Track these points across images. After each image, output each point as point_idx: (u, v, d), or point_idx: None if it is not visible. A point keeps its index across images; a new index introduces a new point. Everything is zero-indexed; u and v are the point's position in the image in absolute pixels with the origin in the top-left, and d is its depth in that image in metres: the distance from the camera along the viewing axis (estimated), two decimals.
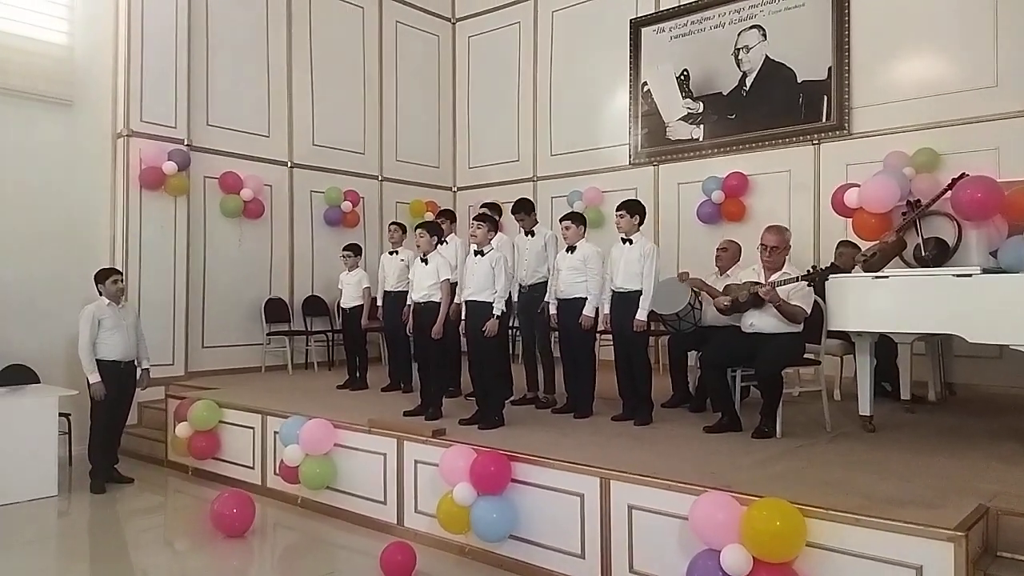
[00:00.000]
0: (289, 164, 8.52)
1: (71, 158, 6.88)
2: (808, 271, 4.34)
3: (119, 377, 5.62)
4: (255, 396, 6.21)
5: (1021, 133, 6.19)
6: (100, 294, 5.65)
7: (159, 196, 7.22)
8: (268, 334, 8.06)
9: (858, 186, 4.76)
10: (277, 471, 5.27)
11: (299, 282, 8.55)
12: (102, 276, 5.70)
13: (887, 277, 4.20)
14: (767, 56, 7.58)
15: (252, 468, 5.66)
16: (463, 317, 5.11)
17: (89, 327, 5.49)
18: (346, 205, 8.82)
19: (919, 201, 4.42)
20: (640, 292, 4.99)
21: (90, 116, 7.02)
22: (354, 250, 7.10)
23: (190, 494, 5.79)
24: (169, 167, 7.13)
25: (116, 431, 5.81)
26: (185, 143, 7.42)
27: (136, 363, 5.80)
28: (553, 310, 5.44)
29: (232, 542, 4.58)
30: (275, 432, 5.38)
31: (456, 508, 4.01)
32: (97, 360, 5.50)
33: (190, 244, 7.51)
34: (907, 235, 4.39)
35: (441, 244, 5.96)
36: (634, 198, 5.51)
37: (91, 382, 5.47)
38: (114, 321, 5.58)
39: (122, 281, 5.76)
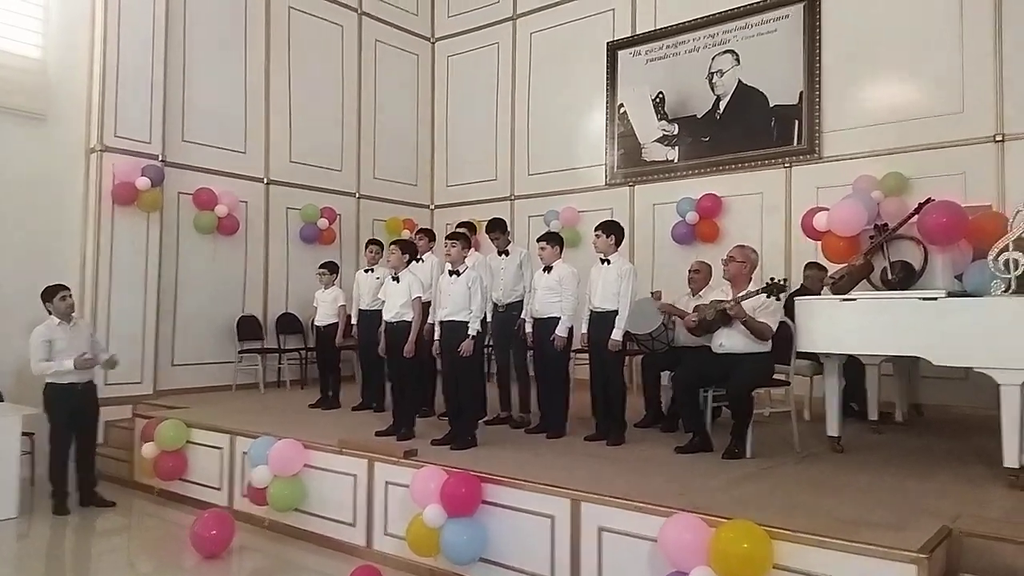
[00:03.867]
0: (265, 180, 8.48)
1: (43, 173, 6.78)
2: (767, 283, 4.40)
3: (78, 399, 5.45)
4: (224, 415, 6.13)
5: (986, 158, 6.35)
6: (49, 313, 5.46)
7: (132, 212, 7.13)
8: (240, 352, 7.96)
9: (827, 209, 4.83)
10: (245, 492, 5.19)
11: (273, 299, 8.48)
12: (49, 294, 5.45)
13: (855, 300, 4.26)
14: (740, 80, 7.71)
15: (219, 489, 5.56)
16: (437, 337, 5.09)
17: (40, 350, 5.29)
18: (322, 222, 8.78)
19: (886, 225, 4.50)
20: (616, 312, 5.02)
21: (63, 130, 6.94)
22: (330, 268, 7.07)
23: (156, 516, 5.68)
24: (143, 183, 7.06)
25: (86, 454, 5.65)
26: (159, 159, 7.35)
27: (93, 380, 5.63)
28: (529, 328, 5.46)
29: (198, 566, 4.51)
30: (244, 453, 5.30)
31: (426, 530, 3.98)
32: (51, 384, 5.35)
33: (162, 261, 7.42)
34: (874, 258, 4.46)
35: (416, 262, 5.96)
36: (612, 219, 5.55)
37: (71, 367, 5.28)
38: (66, 342, 5.39)
39: (71, 297, 5.53)
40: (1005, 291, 3.78)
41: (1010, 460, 3.72)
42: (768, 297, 4.43)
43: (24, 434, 5.63)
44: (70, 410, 5.41)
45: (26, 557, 4.89)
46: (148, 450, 5.88)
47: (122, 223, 7.09)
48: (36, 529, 5.23)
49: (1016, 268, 3.75)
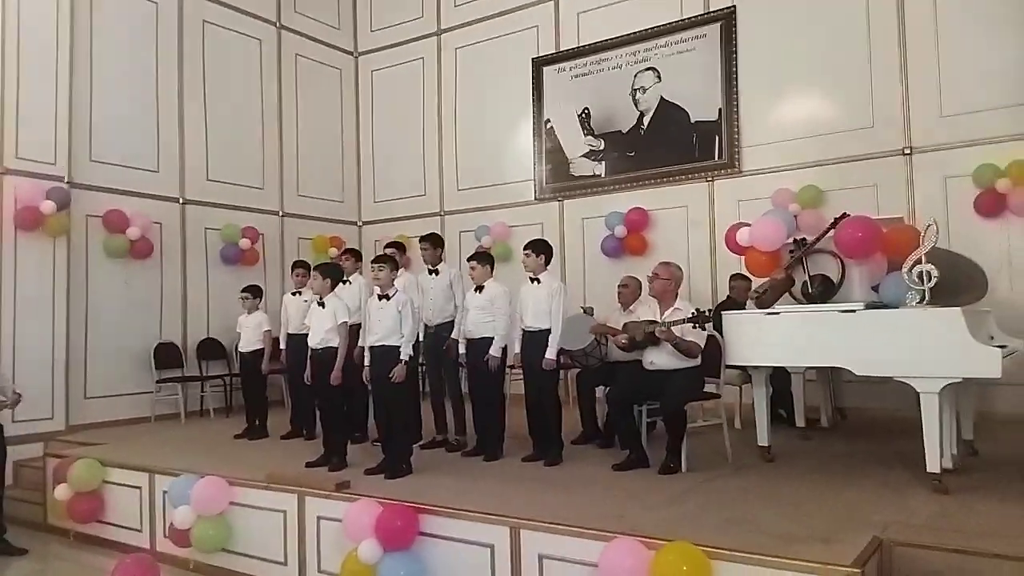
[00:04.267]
0: (181, 200, 8.14)
1: None
2: (693, 313, 4.47)
3: None
4: (143, 451, 5.83)
5: (896, 171, 6.66)
6: None
7: (37, 237, 6.71)
8: (158, 381, 7.59)
9: (749, 225, 4.95)
10: (167, 534, 4.93)
11: (193, 325, 8.13)
12: None
13: (778, 313, 4.37)
14: (662, 97, 7.87)
15: (140, 531, 5.25)
16: (367, 363, 4.96)
17: None
18: (244, 242, 8.49)
19: (805, 239, 4.63)
20: (548, 331, 5.00)
21: None
22: (253, 291, 6.80)
23: (72, 561, 5.35)
24: (48, 206, 6.66)
25: None
26: (65, 180, 6.97)
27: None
28: (462, 349, 5.39)
29: None
30: (164, 492, 5.03)
31: (361, 567, 3.84)
32: None
33: (71, 288, 7.02)
34: (795, 272, 4.59)
35: (343, 284, 5.81)
36: (541, 238, 5.55)
37: None
38: None
39: None
40: (920, 302, 3.93)
41: (932, 466, 3.86)
42: (694, 328, 4.50)
43: None
44: None
45: None
46: (61, 492, 5.51)
47: (26, 249, 6.67)
48: None
49: (929, 280, 3.90)
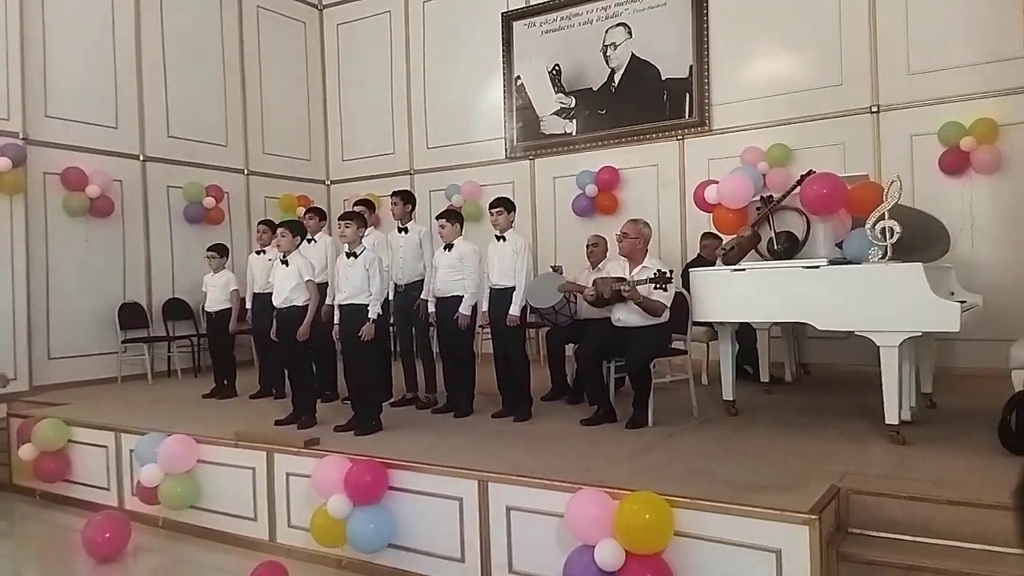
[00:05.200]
0: (141, 157, 7.92)
1: None
2: (655, 273, 4.49)
3: None
4: (110, 411, 5.78)
5: (863, 129, 6.70)
6: None
7: None
8: (124, 341, 7.48)
9: (717, 182, 4.96)
10: (135, 492, 4.91)
11: (158, 285, 7.99)
12: None
13: (744, 270, 4.41)
14: (633, 53, 7.79)
15: (107, 489, 5.23)
16: (337, 321, 4.93)
17: None
18: (208, 201, 8.32)
19: (771, 196, 4.66)
20: (515, 288, 5.01)
21: None
22: (219, 250, 6.68)
23: (39, 520, 5.32)
24: (2, 163, 6.46)
25: None
26: (20, 136, 6.74)
27: None
28: (431, 308, 5.38)
29: (88, 571, 4.25)
30: (131, 450, 5.00)
31: (331, 521, 3.87)
32: None
33: (29, 247, 6.85)
34: (761, 229, 4.61)
35: (309, 243, 5.74)
36: (505, 196, 5.52)
37: None
38: None
39: None
40: (882, 258, 3.98)
41: (891, 417, 3.96)
42: (655, 289, 4.52)
43: None
44: None
45: None
46: (26, 452, 5.46)
47: None
48: None
49: (891, 236, 3.95)
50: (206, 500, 4.66)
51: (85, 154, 7.34)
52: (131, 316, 7.62)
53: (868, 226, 4.03)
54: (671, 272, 4.54)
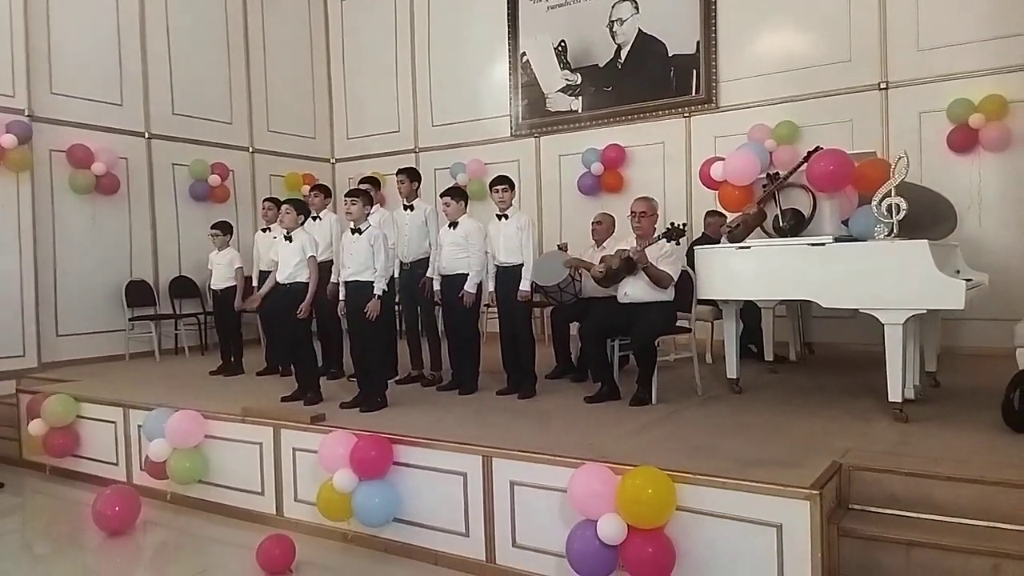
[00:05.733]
0: (147, 135, 7.92)
1: None
2: (667, 228, 4.48)
3: None
4: (118, 387, 5.83)
5: (871, 106, 6.64)
6: None
7: None
8: (131, 319, 7.53)
9: (723, 159, 4.92)
10: (143, 467, 4.96)
11: (164, 263, 8.02)
12: None
13: (749, 247, 4.39)
14: (640, 29, 7.71)
15: (116, 464, 5.29)
16: (342, 297, 4.95)
17: None
18: (214, 179, 8.33)
19: (778, 174, 4.63)
20: (521, 265, 5.01)
21: None
22: (223, 228, 6.69)
23: (49, 494, 5.39)
24: (8, 140, 6.48)
25: None
26: (26, 113, 6.75)
27: None
28: (437, 286, 5.39)
29: (97, 544, 4.31)
30: (139, 426, 5.05)
31: (336, 495, 3.91)
32: None
33: (36, 224, 6.88)
34: (767, 206, 4.59)
35: (314, 220, 5.75)
36: (506, 174, 5.50)
37: None
38: None
39: None
40: (888, 235, 3.96)
41: (894, 395, 3.96)
42: (668, 241, 4.51)
43: None
44: None
45: None
46: (36, 427, 5.52)
47: None
48: None
49: (898, 213, 3.93)
50: (214, 475, 4.72)
51: (91, 131, 7.35)
52: (138, 294, 7.66)
53: (874, 203, 4.01)
54: (684, 224, 4.52)
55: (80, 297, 7.28)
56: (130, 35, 7.79)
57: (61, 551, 4.35)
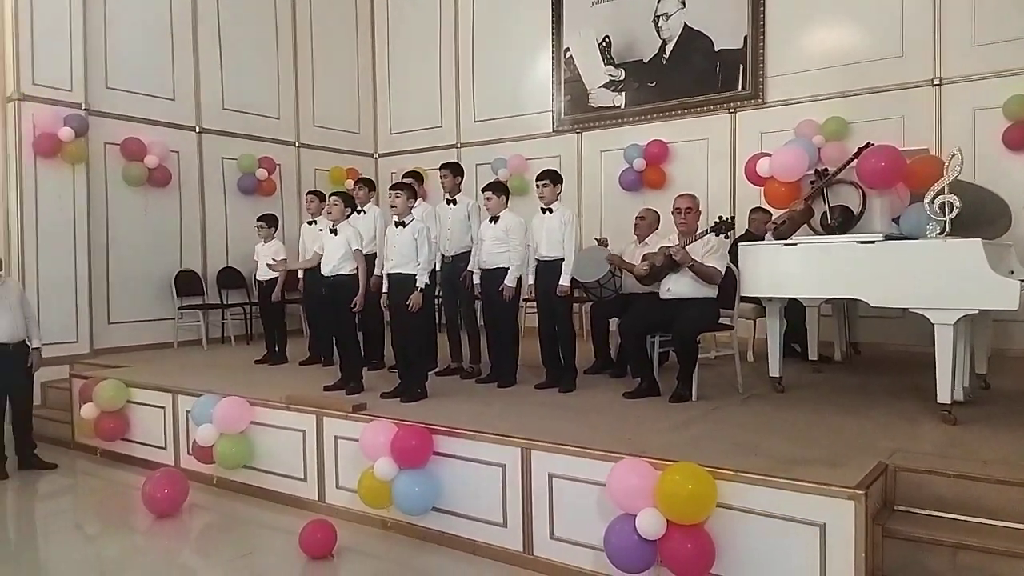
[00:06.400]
0: (197, 129, 8.12)
1: None
2: (715, 222, 4.43)
3: (9, 360, 5.24)
4: (166, 373, 5.99)
5: (924, 102, 6.47)
6: None
7: (56, 164, 6.78)
8: (180, 308, 7.73)
9: (769, 155, 4.86)
10: (191, 451, 5.10)
11: (212, 253, 8.22)
12: None
13: (795, 244, 4.33)
14: (686, 24, 7.63)
15: (164, 448, 5.45)
16: (384, 290, 5.02)
17: None
18: (261, 172, 8.49)
19: (826, 170, 4.55)
20: (563, 259, 5.01)
21: None
22: (268, 221, 6.84)
23: (100, 477, 5.56)
24: (66, 133, 6.70)
25: (22, 416, 5.46)
26: (83, 107, 6.97)
27: (27, 343, 5.40)
28: (477, 280, 5.42)
29: (146, 525, 4.44)
30: (187, 411, 5.19)
31: (377, 483, 3.97)
32: None
33: (91, 215, 7.10)
34: (815, 203, 4.52)
35: (358, 214, 5.83)
36: (553, 168, 5.50)
37: None
38: None
39: None
40: (940, 233, 3.87)
41: (943, 396, 3.87)
42: (717, 236, 4.47)
43: None
44: (1, 371, 5.19)
45: None
46: (88, 411, 5.72)
47: (46, 176, 6.74)
48: None
49: (951, 211, 3.83)
50: (258, 460, 4.83)
51: (144, 125, 7.56)
52: (187, 284, 7.86)
53: (927, 201, 3.91)
54: (733, 218, 4.47)
55: (131, 286, 7.50)
56: (182, 32, 7.99)
57: (111, 531, 4.49)
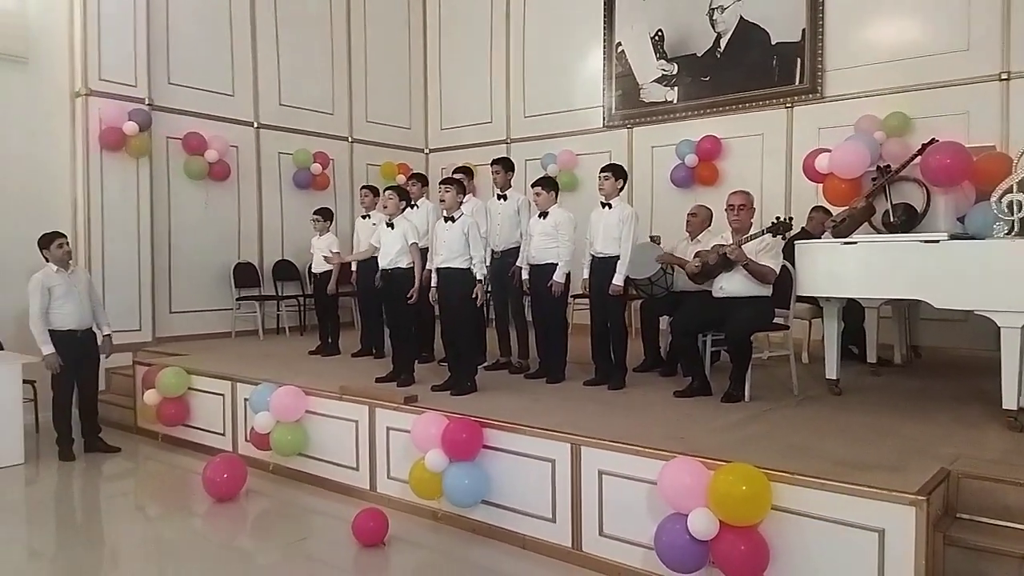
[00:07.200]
0: (255, 124, 8.31)
1: (28, 118, 6.64)
2: (772, 222, 4.35)
3: (78, 346, 5.46)
4: (225, 362, 6.15)
5: (991, 97, 6.23)
6: (46, 260, 5.41)
7: (120, 157, 7.02)
8: (238, 299, 7.94)
9: (829, 151, 4.75)
10: (248, 438, 5.24)
11: (268, 246, 8.41)
12: (46, 241, 5.41)
13: (855, 243, 4.22)
14: (742, 17, 7.50)
15: (223, 435, 5.62)
16: (434, 284, 5.07)
17: (39, 297, 5.27)
18: (315, 167, 8.66)
19: (889, 167, 4.43)
20: (618, 257, 4.96)
21: (46, 74, 6.76)
22: (324, 214, 6.98)
23: (161, 461, 5.75)
24: (130, 127, 6.92)
25: (88, 400, 5.69)
26: (146, 102, 7.19)
27: (95, 329, 5.63)
28: (525, 275, 5.43)
29: (204, 509, 4.59)
30: (245, 399, 5.33)
31: (428, 474, 4.02)
32: (52, 330, 5.33)
33: (154, 207, 7.33)
34: (876, 201, 4.41)
35: (411, 208, 5.89)
36: (617, 162, 5.46)
37: (44, 354, 5.30)
38: (65, 288, 5.37)
39: (68, 244, 5.48)
40: (1008, 233, 3.74)
41: (1009, 402, 3.75)
42: (774, 237, 4.39)
43: (25, 382, 5.65)
44: (70, 357, 5.41)
45: (35, 502, 4.97)
46: (150, 397, 5.92)
47: (111, 169, 6.99)
48: (44, 474, 5.30)
49: (1020, 210, 3.70)
50: (313, 448, 4.94)
51: (204, 120, 7.77)
52: (244, 275, 8.07)
53: (994, 199, 3.79)
54: (791, 219, 4.39)
55: (192, 277, 7.73)
56: (241, 29, 8.18)
57: (171, 514, 4.64)
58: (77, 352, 5.46)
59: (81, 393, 5.64)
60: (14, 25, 6.54)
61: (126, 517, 4.72)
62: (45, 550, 4.18)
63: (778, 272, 4.49)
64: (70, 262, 5.52)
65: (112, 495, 5.19)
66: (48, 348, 5.30)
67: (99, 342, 5.66)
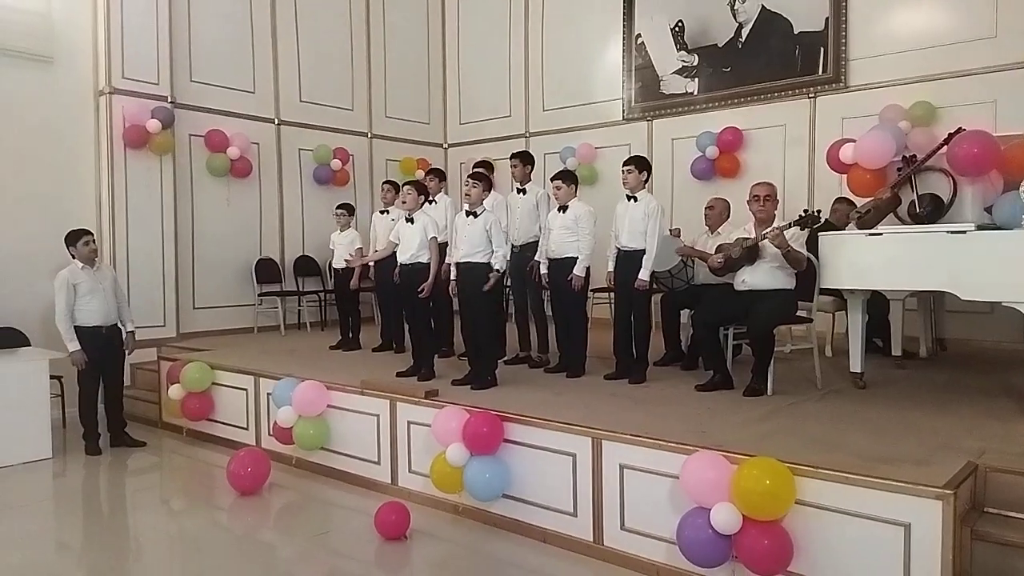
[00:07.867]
0: (276, 121, 8.36)
1: (53, 117, 6.74)
2: (800, 215, 4.30)
3: (103, 342, 5.54)
4: (248, 357, 6.21)
5: (1019, 85, 6.10)
6: (73, 257, 5.49)
7: (144, 155, 7.09)
8: (260, 295, 8.01)
9: (853, 141, 4.68)
10: (271, 432, 5.28)
11: (290, 242, 8.48)
12: (73, 238, 5.49)
13: (881, 234, 4.16)
14: (763, 6, 7.41)
15: (246, 429, 5.68)
16: (453, 278, 5.07)
17: (65, 294, 5.35)
18: (336, 163, 8.70)
19: (914, 156, 4.36)
20: (643, 251, 4.92)
21: (71, 73, 6.86)
22: (347, 209, 7.03)
23: (185, 455, 5.82)
24: (153, 125, 6.99)
25: (114, 395, 5.78)
26: (169, 100, 7.26)
27: (120, 325, 5.71)
28: (544, 269, 5.41)
29: (228, 502, 4.64)
30: (268, 394, 5.38)
31: (449, 468, 4.03)
32: (78, 327, 5.41)
33: (177, 204, 7.41)
34: (902, 191, 4.34)
35: (429, 203, 5.90)
36: (642, 155, 5.40)
37: (70, 351, 5.39)
38: (90, 285, 5.45)
39: (94, 242, 5.57)
40: None
41: None
42: (802, 229, 4.34)
43: (52, 377, 5.74)
44: (95, 353, 5.49)
45: (63, 495, 5.06)
46: (175, 392, 5.99)
47: (135, 166, 7.06)
48: (71, 468, 5.39)
49: None
50: (335, 443, 4.97)
51: (226, 117, 7.83)
52: (266, 271, 8.13)
53: (1022, 189, 3.70)
54: (819, 211, 4.33)
55: (215, 273, 7.81)
56: (262, 27, 8.23)
57: (195, 507, 4.71)
58: (102, 348, 5.54)
59: (106, 388, 5.72)
60: (39, 25, 6.63)
61: (151, 510, 4.79)
62: (73, 542, 4.25)
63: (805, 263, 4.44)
64: (96, 259, 5.59)
65: (138, 489, 5.26)
66: (74, 345, 5.38)
67: (124, 339, 5.74)
